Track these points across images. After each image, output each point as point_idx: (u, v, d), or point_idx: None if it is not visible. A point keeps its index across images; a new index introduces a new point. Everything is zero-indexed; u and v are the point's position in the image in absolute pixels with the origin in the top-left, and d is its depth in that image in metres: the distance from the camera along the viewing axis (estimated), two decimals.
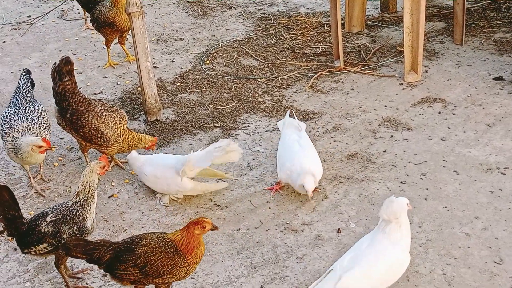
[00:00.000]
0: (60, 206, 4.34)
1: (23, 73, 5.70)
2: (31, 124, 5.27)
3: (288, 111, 5.76)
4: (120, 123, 5.39)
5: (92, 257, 4.05)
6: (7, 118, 5.30)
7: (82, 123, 5.35)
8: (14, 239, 4.38)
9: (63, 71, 5.40)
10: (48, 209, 4.36)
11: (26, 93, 5.54)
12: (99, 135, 5.34)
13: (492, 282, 4.28)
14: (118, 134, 5.35)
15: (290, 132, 5.40)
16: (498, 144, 5.66)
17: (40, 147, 5.11)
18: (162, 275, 4.01)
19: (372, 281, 3.95)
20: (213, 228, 4.01)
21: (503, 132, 5.80)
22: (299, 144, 5.25)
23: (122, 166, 5.71)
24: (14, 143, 5.15)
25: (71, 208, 4.28)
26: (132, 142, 5.41)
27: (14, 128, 5.22)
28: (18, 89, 5.56)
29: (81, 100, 5.44)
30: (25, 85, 5.58)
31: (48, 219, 4.26)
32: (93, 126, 5.33)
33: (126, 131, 5.40)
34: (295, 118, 5.65)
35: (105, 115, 5.37)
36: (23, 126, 5.23)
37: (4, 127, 5.25)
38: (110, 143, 5.36)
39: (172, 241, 4.00)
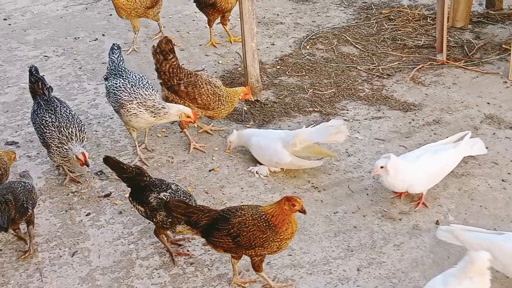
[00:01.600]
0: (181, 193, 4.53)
1: (115, 48, 5.85)
2: (146, 90, 5.43)
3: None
4: (222, 85, 5.78)
5: (190, 220, 4.26)
6: (120, 87, 5.46)
7: (199, 91, 5.66)
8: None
9: (166, 50, 5.71)
10: (173, 184, 4.56)
11: (123, 65, 5.72)
12: (217, 98, 5.66)
13: None
14: (226, 94, 5.71)
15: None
16: None
17: (188, 117, 5.36)
18: (254, 247, 4.14)
19: None
20: (301, 211, 4.09)
21: None
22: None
23: (211, 132, 6.00)
24: (156, 108, 5.33)
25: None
26: (231, 98, 5.74)
27: (141, 92, 5.39)
28: (113, 63, 5.71)
29: (189, 72, 5.82)
30: (119, 59, 5.76)
31: (161, 195, 4.45)
32: (210, 91, 5.65)
33: (226, 90, 5.76)
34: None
35: (212, 79, 5.78)
36: (140, 92, 5.39)
37: (122, 95, 5.42)
38: (225, 104, 5.69)
39: (265, 214, 4.12)
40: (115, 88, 5.49)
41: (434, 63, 6.95)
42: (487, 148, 5.51)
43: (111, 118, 6.28)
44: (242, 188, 5.30)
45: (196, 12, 7.90)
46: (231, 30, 7.74)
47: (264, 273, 4.28)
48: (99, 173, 5.50)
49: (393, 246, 4.64)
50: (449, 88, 6.54)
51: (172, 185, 4.54)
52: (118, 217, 5.05)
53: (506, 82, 6.56)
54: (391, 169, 4.76)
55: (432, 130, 5.89)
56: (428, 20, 7.86)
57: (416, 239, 4.69)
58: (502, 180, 5.23)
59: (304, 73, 6.96)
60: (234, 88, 5.83)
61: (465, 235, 4.22)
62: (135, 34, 7.54)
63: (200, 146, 5.81)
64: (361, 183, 5.29)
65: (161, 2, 7.45)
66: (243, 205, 4.37)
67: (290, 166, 5.39)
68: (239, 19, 6.36)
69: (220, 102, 5.68)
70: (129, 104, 5.37)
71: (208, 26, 7.57)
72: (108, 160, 4.64)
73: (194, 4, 7.47)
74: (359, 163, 5.53)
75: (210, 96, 5.65)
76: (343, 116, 6.17)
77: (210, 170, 5.52)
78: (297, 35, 7.79)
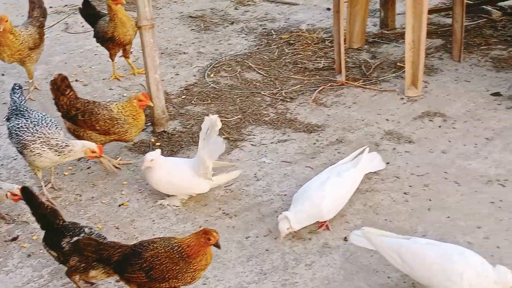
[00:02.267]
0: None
1: (16, 88, 5.76)
2: (49, 128, 5.37)
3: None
4: (123, 107, 5.78)
5: (101, 257, 4.24)
6: (23, 128, 5.37)
7: (95, 117, 5.69)
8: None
9: (62, 86, 5.83)
10: (86, 228, 4.52)
11: (25, 105, 5.64)
12: (115, 122, 5.69)
13: None
14: (122, 114, 5.73)
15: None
16: (497, 157, 5.83)
17: (93, 152, 5.31)
18: (168, 279, 4.16)
19: None
20: (216, 245, 4.15)
21: (502, 146, 5.98)
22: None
23: (119, 167, 5.98)
24: (60, 146, 5.28)
25: None
26: (128, 112, 5.73)
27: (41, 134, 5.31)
28: (15, 103, 5.62)
29: (86, 101, 5.91)
30: (21, 98, 5.68)
31: (74, 239, 4.39)
32: (106, 116, 5.69)
33: (117, 107, 5.77)
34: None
35: (109, 103, 5.84)
36: (44, 132, 5.32)
37: (25, 136, 5.33)
38: (125, 124, 5.71)
39: (179, 245, 4.15)
40: (17, 129, 5.39)
41: (334, 84, 7.19)
42: (387, 163, 5.75)
43: (14, 159, 6.15)
44: (153, 221, 5.29)
45: (98, 46, 7.86)
46: (134, 62, 7.74)
47: None
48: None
49: (304, 266, 4.75)
50: (349, 107, 6.78)
51: (85, 228, 4.50)
52: (27, 261, 4.93)
53: (402, 98, 6.86)
54: (295, 224, 4.87)
55: (336, 149, 6.08)
56: (326, 43, 8.13)
57: (327, 257, 4.82)
58: (404, 193, 5.45)
59: (209, 101, 7.04)
60: (129, 100, 5.81)
61: (377, 239, 4.38)
62: (31, 80, 7.37)
63: (123, 163, 5.97)
64: (270, 206, 5.39)
65: (43, 47, 7.31)
66: (155, 238, 4.38)
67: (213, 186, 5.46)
68: (141, 51, 6.40)
69: (119, 125, 5.70)
70: (32, 144, 5.29)
71: (110, 60, 7.55)
72: (25, 191, 4.58)
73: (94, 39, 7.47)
74: (268, 186, 5.64)
75: (107, 121, 5.68)
76: (250, 141, 6.28)
77: (119, 205, 5.49)
78: (200, 64, 7.88)
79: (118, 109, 5.76)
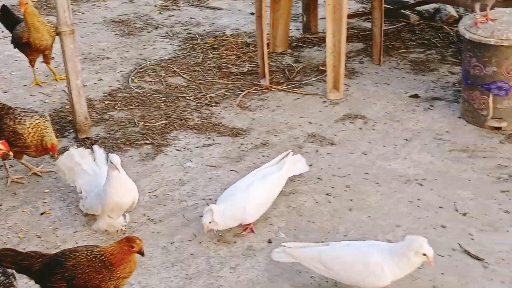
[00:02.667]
0: None
1: None
2: None
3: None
4: (39, 125, 5.53)
5: (20, 267, 4.14)
6: None
7: (1, 126, 5.53)
8: None
9: None
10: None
11: None
12: (17, 137, 5.48)
13: (413, 285, 4.58)
14: (36, 134, 5.48)
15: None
16: (415, 157, 6.03)
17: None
18: None
19: None
20: (139, 252, 4.14)
21: (420, 146, 6.19)
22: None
23: (40, 174, 5.85)
24: None
25: None
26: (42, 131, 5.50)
27: None
28: None
29: (1, 106, 5.72)
30: None
31: None
32: (11, 128, 5.50)
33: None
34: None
35: (23, 115, 5.56)
36: None
37: None
38: (27, 144, 5.49)
39: (102, 254, 4.12)
40: None
41: (259, 88, 7.26)
42: (310, 165, 5.86)
43: None
44: (76, 229, 5.22)
45: (17, 52, 7.69)
46: (57, 68, 7.61)
47: None
48: None
49: (229, 269, 4.79)
50: (273, 111, 6.87)
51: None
52: None
53: (325, 101, 7.00)
54: (219, 219, 4.87)
55: (260, 153, 6.15)
56: (250, 47, 8.20)
57: (251, 259, 4.87)
58: (327, 194, 5.57)
59: (133, 106, 6.99)
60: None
61: (297, 252, 4.46)
62: None
63: (17, 179, 5.75)
64: (195, 210, 5.40)
65: None
66: (77, 247, 4.33)
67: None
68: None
69: (21, 141, 5.50)
70: None
71: (30, 66, 7.40)
72: None
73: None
74: (193, 191, 5.65)
75: (11, 133, 5.51)
76: (174, 146, 6.28)
77: (41, 214, 5.39)
78: (124, 69, 7.82)
79: (29, 128, 5.48)
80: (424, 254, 4.17)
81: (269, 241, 5.04)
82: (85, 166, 5.33)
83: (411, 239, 4.25)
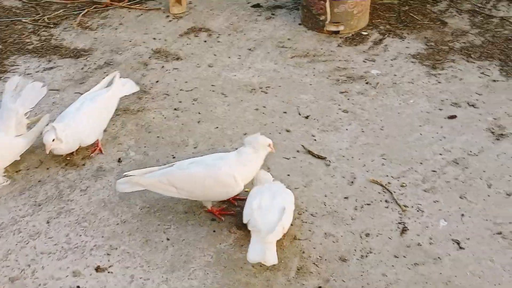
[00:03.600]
0: None
1: None
2: None
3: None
4: None
5: None
6: None
7: None
8: None
9: None
10: None
11: None
12: None
13: None
14: None
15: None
16: (259, 66, 6.16)
17: None
18: None
19: None
20: None
21: (263, 55, 6.32)
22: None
23: None
24: None
25: None
26: None
27: None
28: None
29: None
30: None
31: None
32: None
33: None
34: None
35: None
36: None
37: None
38: None
39: None
40: None
41: (99, 6, 7.04)
42: (157, 81, 5.83)
43: None
44: None
45: None
46: None
47: None
48: None
49: (80, 191, 4.75)
50: (116, 29, 6.71)
51: None
52: None
53: (168, 16, 6.92)
54: (63, 136, 4.77)
55: (105, 73, 6.02)
56: None
57: (101, 180, 4.85)
58: (175, 109, 5.60)
59: None
60: None
61: (143, 179, 4.40)
62: None
63: None
64: (40, 136, 5.24)
65: None
66: None
67: None
68: None
69: None
70: None
71: None
72: None
73: None
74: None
75: None
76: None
77: None
78: None
79: None
80: (269, 145, 4.39)
81: (119, 160, 5.03)
82: None
83: (255, 137, 4.39)
